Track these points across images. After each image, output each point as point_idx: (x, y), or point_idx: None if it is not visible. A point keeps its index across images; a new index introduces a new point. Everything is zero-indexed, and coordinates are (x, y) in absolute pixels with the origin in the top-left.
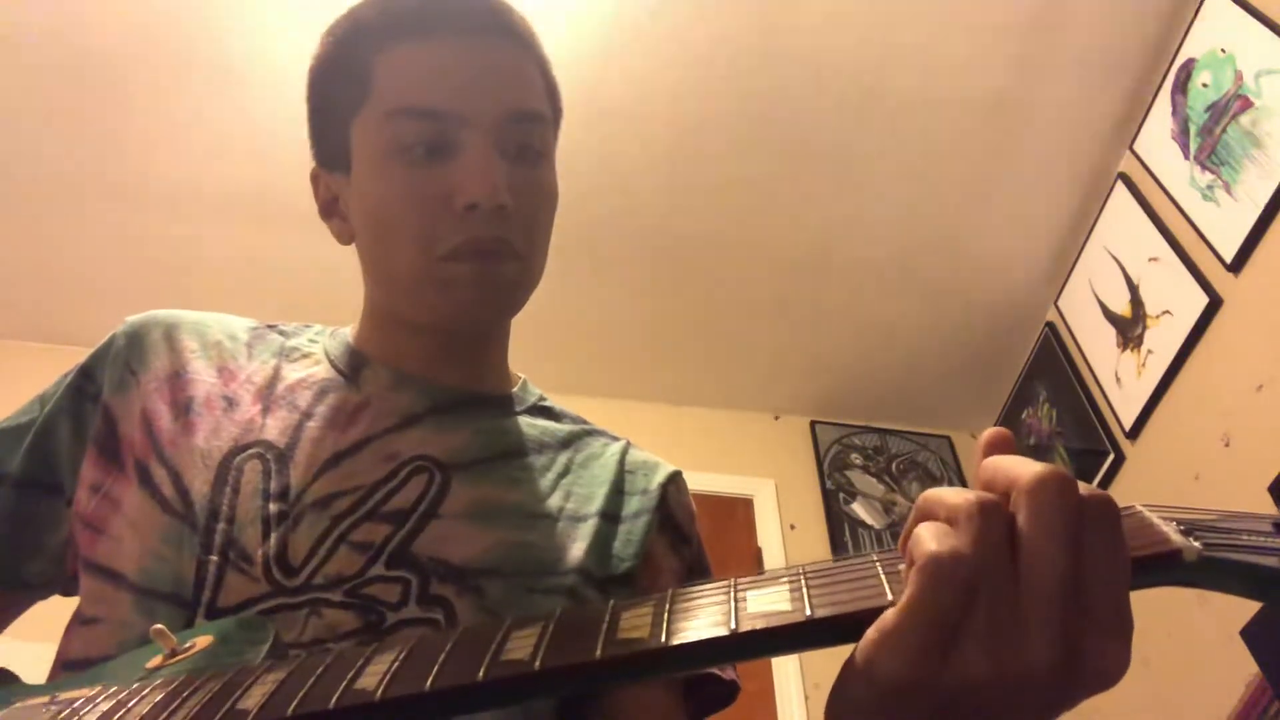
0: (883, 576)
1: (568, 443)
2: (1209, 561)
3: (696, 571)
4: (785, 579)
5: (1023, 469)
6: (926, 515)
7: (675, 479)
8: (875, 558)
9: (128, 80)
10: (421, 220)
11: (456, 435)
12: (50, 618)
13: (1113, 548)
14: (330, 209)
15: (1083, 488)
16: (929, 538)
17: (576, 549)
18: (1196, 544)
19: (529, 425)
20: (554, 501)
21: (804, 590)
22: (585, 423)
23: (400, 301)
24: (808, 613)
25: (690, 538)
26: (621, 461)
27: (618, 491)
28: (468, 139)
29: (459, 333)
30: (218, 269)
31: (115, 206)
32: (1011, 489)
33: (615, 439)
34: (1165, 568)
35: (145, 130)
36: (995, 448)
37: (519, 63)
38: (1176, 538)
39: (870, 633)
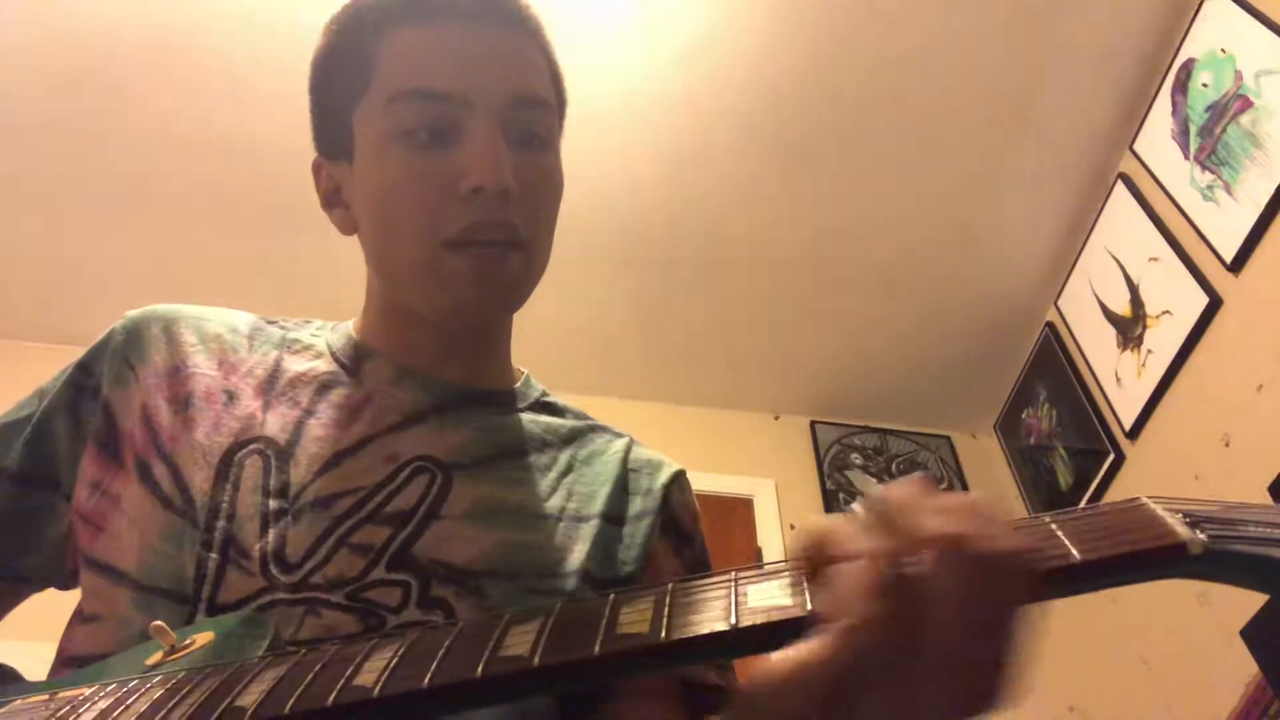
0: None
1: (570, 439)
2: (1214, 554)
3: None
4: (786, 573)
5: (925, 529)
6: (835, 553)
7: (679, 479)
8: None
9: (128, 80)
10: (425, 204)
11: (458, 434)
12: (50, 617)
13: (1010, 604)
14: (332, 199)
15: (997, 542)
16: (862, 591)
17: (578, 551)
18: (1202, 536)
19: (531, 422)
20: (556, 501)
21: (805, 584)
22: (588, 418)
23: (403, 292)
24: (809, 607)
25: (693, 539)
26: (625, 460)
27: (621, 491)
28: (472, 123)
29: (462, 326)
30: (218, 269)
31: (115, 206)
32: (918, 545)
33: (619, 435)
34: (1170, 561)
35: (145, 130)
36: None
37: (524, 48)
38: (1182, 530)
39: (783, 665)
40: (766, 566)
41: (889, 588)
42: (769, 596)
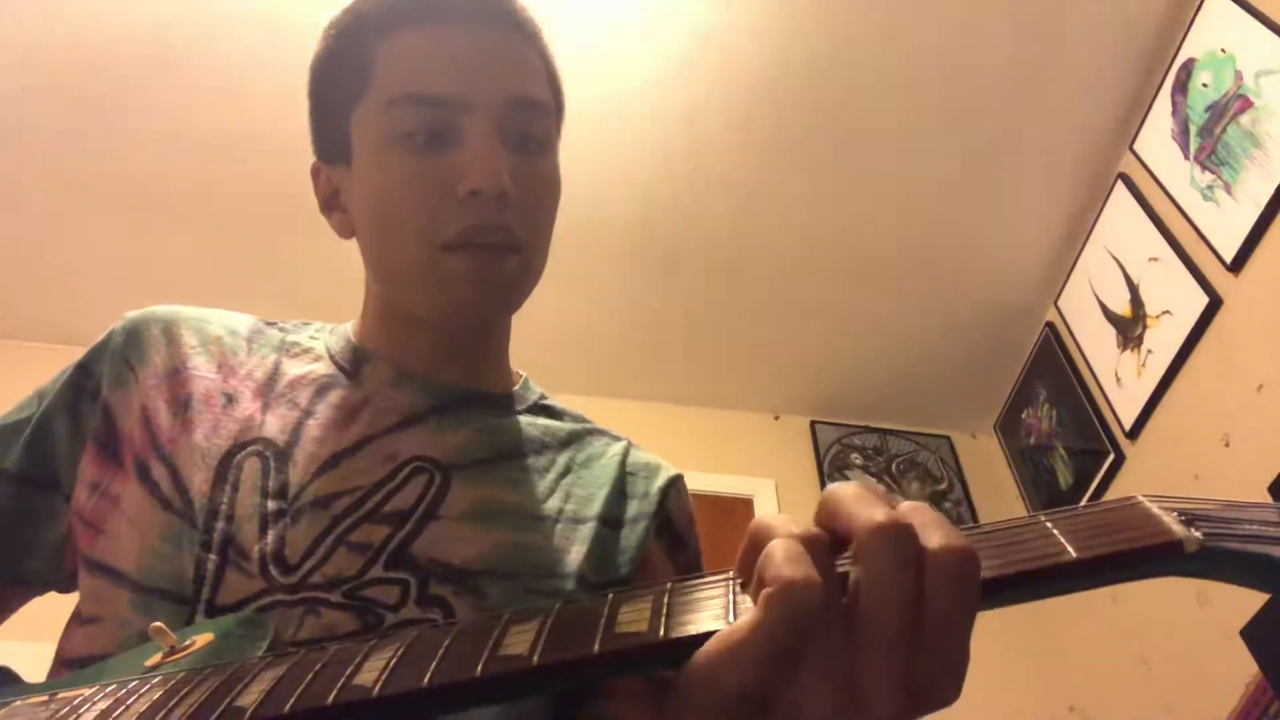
0: None
1: (568, 442)
2: (1210, 551)
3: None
4: None
5: (861, 517)
6: (761, 542)
7: (676, 483)
8: None
9: (128, 80)
10: (423, 207)
11: (457, 435)
12: (50, 617)
13: (956, 600)
14: (331, 203)
15: (936, 535)
16: (784, 560)
17: (575, 553)
18: (1197, 534)
19: (530, 424)
20: (554, 503)
21: None
22: (586, 421)
23: (401, 295)
24: None
25: (687, 544)
26: (623, 463)
27: (619, 494)
28: (470, 126)
29: (460, 328)
30: (218, 270)
31: (115, 206)
32: (850, 535)
33: (617, 439)
34: (1166, 558)
35: (145, 130)
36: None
37: (521, 52)
38: (1177, 528)
39: (713, 644)
40: None
41: (811, 554)
42: None
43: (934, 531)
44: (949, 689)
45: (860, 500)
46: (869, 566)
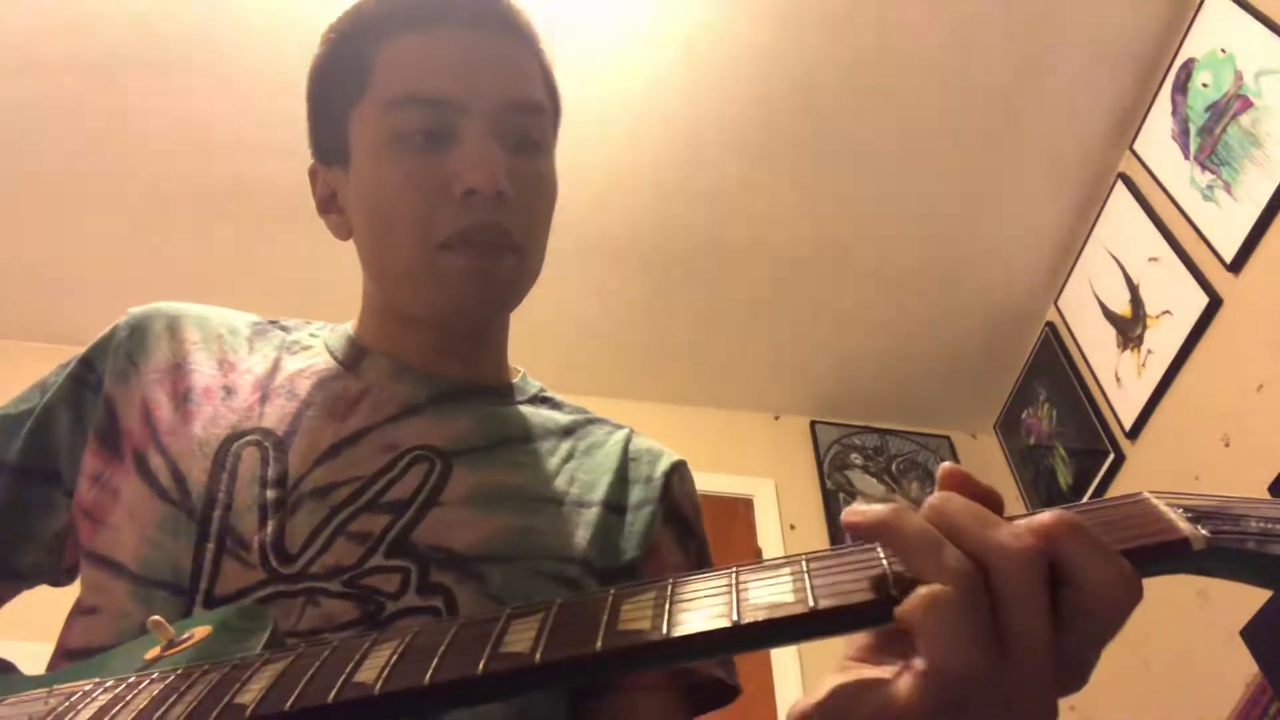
0: (886, 566)
1: (570, 430)
2: (1217, 549)
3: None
4: (787, 569)
5: (995, 542)
6: (884, 541)
7: (679, 468)
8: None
9: (128, 80)
10: (420, 207)
11: (457, 423)
12: (50, 617)
13: (1111, 624)
14: (328, 204)
15: (1097, 564)
16: (942, 636)
17: (580, 537)
18: (1204, 531)
19: (531, 413)
20: (559, 485)
21: (807, 581)
22: (587, 412)
23: (398, 295)
24: (810, 604)
25: (696, 532)
26: (625, 449)
27: (621, 480)
28: (467, 127)
29: (457, 327)
30: (218, 270)
31: (115, 206)
32: (988, 558)
33: (619, 427)
34: (1173, 556)
35: (145, 130)
36: (951, 485)
37: (518, 54)
38: (1184, 525)
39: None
40: (768, 562)
41: (983, 623)
42: (770, 593)
43: (1095, 560)
44: (1080, 682)
45: (984, 522)
46: (1012, 592)
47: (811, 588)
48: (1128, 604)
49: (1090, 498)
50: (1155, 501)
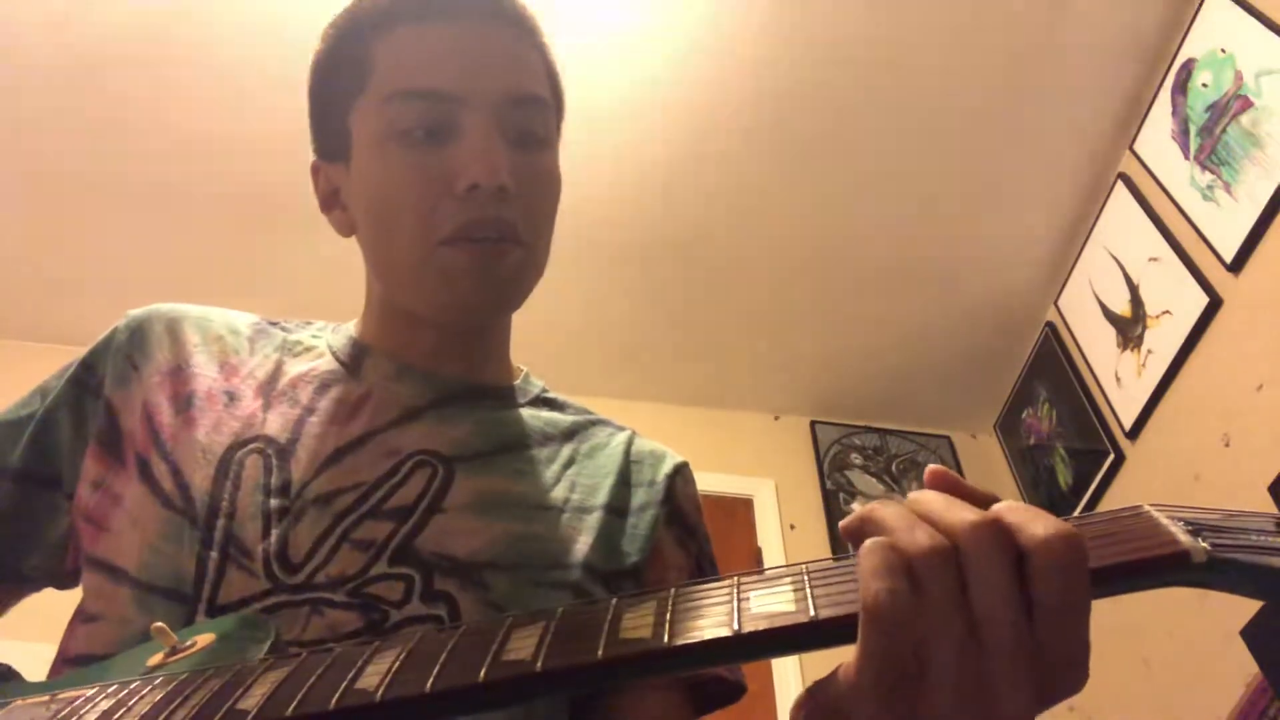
0: None
1: (572, 433)
2: (1217, 562)
3: (703, 567)
4: (788, 579)
5: (958, 520)
6: (869, 532)
7: (682, 470)
8: None
9: (128, 80)
10: (422, 202)
11: (459, 428)
12: (50, 617)
13: (1066, 589)
14: (330, 201)
15: (1038, 526)
16: (872, 576)
17: (582, 542)
18: (1204, 545)
19: (532, 417)
20: (559, 493)
21: (807, 590)
22: (589, 413)
23: (402, 291)
24: (811, 614)
25: (697, 532)
26: (627, 452)
27: (623, 483)
28: (468, 121)
29: (461, 324)
30: (218, 269)
31: (115, 206)
32: (953, 534)
33: (621, 429)
34: (1173, 569)
35: (146, 131)
36: (937, 486)
37: (520, 47)
38: (1184, 538)
39: (839, 677)
40: (769, 572)
41: (905, 563)
42: (771, 603)
43: (1035, 524)
44: (1075, 679)
45: (950, 506)
46: (974, 569)
47: (813, 597)
48: (1070, 562)
49: (1090, 497)
50: (1155, 514)
